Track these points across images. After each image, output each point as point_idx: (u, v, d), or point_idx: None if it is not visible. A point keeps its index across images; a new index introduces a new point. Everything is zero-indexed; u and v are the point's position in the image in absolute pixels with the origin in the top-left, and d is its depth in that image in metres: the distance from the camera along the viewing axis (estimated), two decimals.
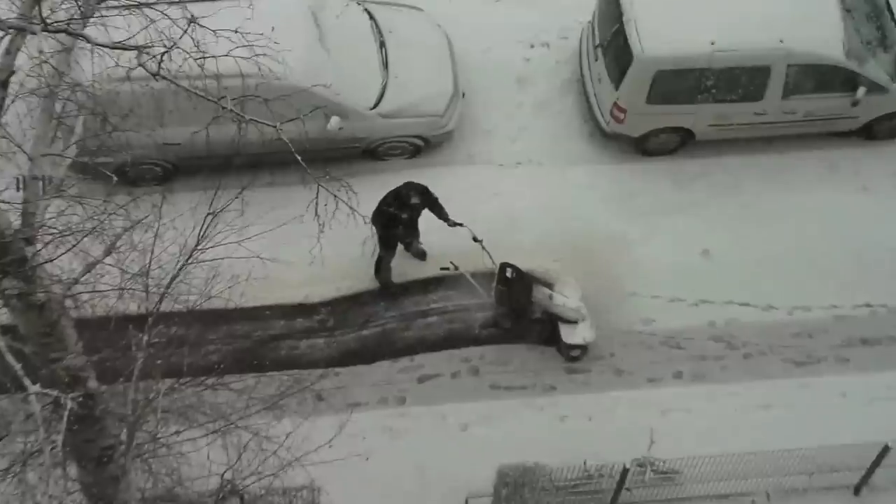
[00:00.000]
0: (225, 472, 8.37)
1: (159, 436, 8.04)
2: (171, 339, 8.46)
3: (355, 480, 10.89)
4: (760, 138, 13.48)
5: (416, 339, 12.26)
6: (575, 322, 11.80)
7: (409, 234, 12.04)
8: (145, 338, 7.75)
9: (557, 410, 11.82)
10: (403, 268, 12.45)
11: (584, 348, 12.00)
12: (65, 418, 6.42)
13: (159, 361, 7.97)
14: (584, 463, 10.74)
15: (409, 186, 11.69)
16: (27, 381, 6.39)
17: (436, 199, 11.74)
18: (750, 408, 11.87)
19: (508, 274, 11.60)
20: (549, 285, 11.88)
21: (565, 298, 11.81)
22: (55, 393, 6.45)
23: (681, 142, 13.41)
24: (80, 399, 6.87)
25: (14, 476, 7.41)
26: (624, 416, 11.74)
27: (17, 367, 6.46)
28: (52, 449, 6.46)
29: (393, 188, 11.70)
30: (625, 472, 10.56)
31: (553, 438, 11.45)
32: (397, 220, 11.56)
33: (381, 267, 12.23)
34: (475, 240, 11.60)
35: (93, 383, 7.42)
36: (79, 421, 7.26)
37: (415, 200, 11.53)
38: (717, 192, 13.25)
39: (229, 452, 8.53)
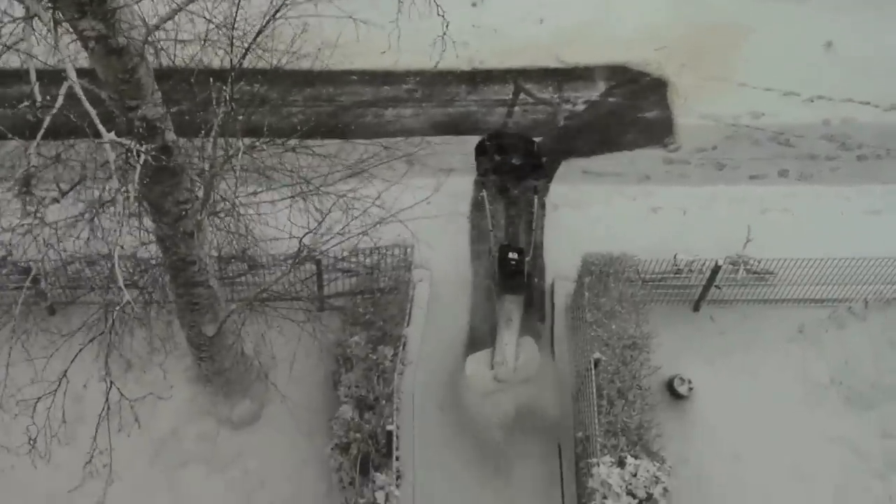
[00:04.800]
0: (304, 235, 8.13)
1: (237, 195, 7.83)
2: (254, 97, 8.13)
3: (447, 240, 10.68)
4: None
5: (500, 124, 11.82)
6: (490, 367, 10.05)
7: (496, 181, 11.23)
8: (227, 92, 7.39)
9: (650, 201, 11.36)
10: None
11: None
12: (138, 169, 6.23)
13: (240, 118, 7.64)
14: (675, 257, 10.33)
15: (514, 147, 11.22)
16: (102, 129, 6.19)
17: (535, 186, 11.04)
18: (858, 212, 11.24)
19: (511, 256, 10.53)
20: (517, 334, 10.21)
21: (511, 350, 10.07)
22: (130, 143, 6.25)
23: None
24: (155, 151, 6.63)
25: (90, 220, 7.34)
26: (721, 211, 11.23)
27: (94, 113, 6.25)
28: (126, 199, 6.31)
29: (517, 134, 11.33)
30: (716, 268, 10.14)
31: (643, 229, 11.03)
32: (486, 154, 11.25)
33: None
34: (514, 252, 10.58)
35: (170, 135, 7.15)
36: (154, 173, 7.06)
37: (514, 161, 11.16)
38: None
39: (310, 216, 8.30)
